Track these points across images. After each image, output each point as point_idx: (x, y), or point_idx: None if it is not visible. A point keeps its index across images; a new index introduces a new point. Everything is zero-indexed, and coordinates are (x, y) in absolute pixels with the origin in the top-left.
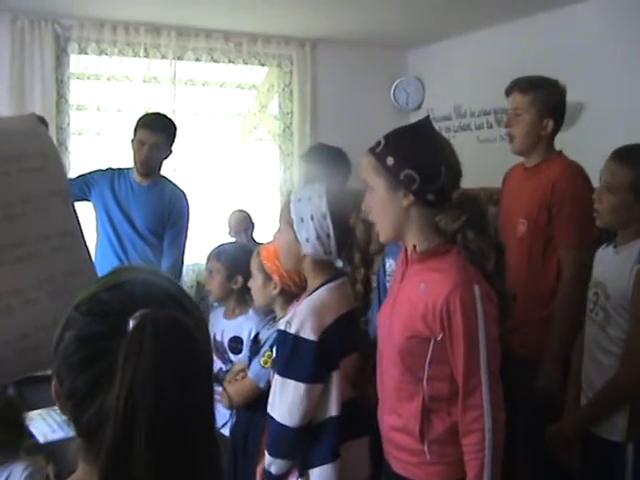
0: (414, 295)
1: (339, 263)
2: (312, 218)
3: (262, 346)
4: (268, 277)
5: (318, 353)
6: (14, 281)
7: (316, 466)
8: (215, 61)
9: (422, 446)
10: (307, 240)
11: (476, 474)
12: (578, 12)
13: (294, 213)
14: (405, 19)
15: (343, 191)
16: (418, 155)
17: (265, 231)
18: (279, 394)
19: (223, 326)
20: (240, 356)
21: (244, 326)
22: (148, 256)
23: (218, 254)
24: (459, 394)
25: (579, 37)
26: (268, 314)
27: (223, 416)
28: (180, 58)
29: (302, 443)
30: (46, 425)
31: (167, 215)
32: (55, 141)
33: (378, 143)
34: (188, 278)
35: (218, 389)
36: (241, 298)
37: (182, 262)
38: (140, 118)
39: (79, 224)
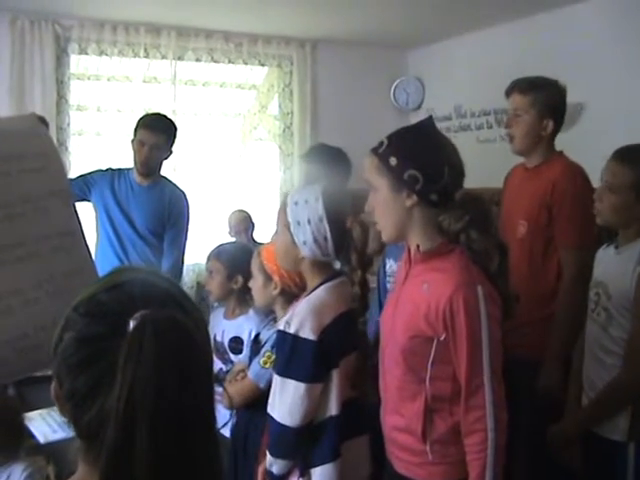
0: (417, 295)
1: (337, 264)
2: (309, 221)
3: (262, 346)
4: (269, 277)
5: (318, 353)
6: (14, 281)
7: (317, 465)
8: (215, 61)
9: (424, 446)
10: (304, 243)
11: (478, 474)
12: (578, 12)
13: (291, 216)
14: (405, 19)
15: (339, 192)
16: (421, 155)
17: (265, 231)
18: (279, 394)
19: (223, 326)
20: (240, 356)
21: (244, 326)
22: (148, 256)
23: (218, 254)
24: (462, 394)
25: (579, 37)
26: (268, 314)
27: (223, 416)
28: (180, 58)
29: (303, 443)
30: (46, 425)
31: (167, 215)
32: (55, 141)
33: (381, 143)
34: (188, 278)
35: (218, 389)
36: (241, 298)
37: (182, 262)
38: (140, 118)
39: (79, 224)
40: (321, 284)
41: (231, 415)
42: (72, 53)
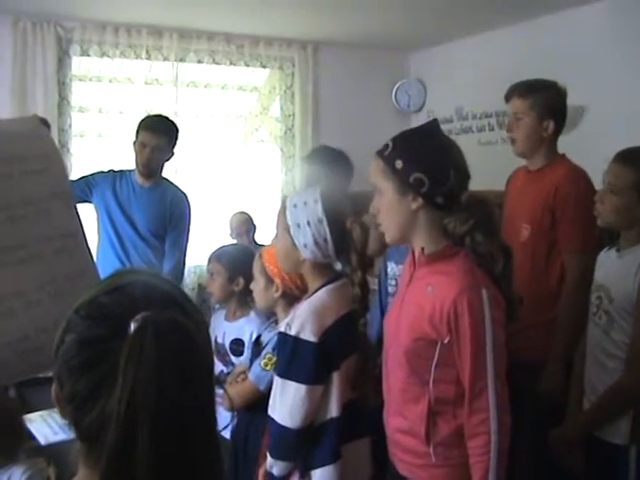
0: (421, 297)
1: (338, 266)
2: (309, 223)
3: (263, 348)
4: (270, 280)
5: (318, 354)
6: (16, 283)
7: (317, 467)
8: (217, 63)
9: (427, 448)
10: (305, 245)
11: (481, 477)
12: (579, 15)
13: (290, 219)
14: (407, 22)
15: (338, 194)
16: (427, 158)
17: (266, 233)
18: (280, 396)
19: (224, 328)
20: (241, 358)
21: (245, 328)
22: (149, 258)
23: (219, 256)
24: (465, 397)
25: (580, 40)
26: (270, 316)
27: (224, 419)
28: (182, 60)
29: (303, 445)
30: (47, 427)
31: (169, 217)
32: (57, 143)
33: (386, 146)
34: (189, 280)
35: (219, 391)
36: (242, 300)
37: (184, 264)
38: (142, 120)
39: (81, 226)
40: (322, 286)
41: (232, 417)
42: (74, 55)
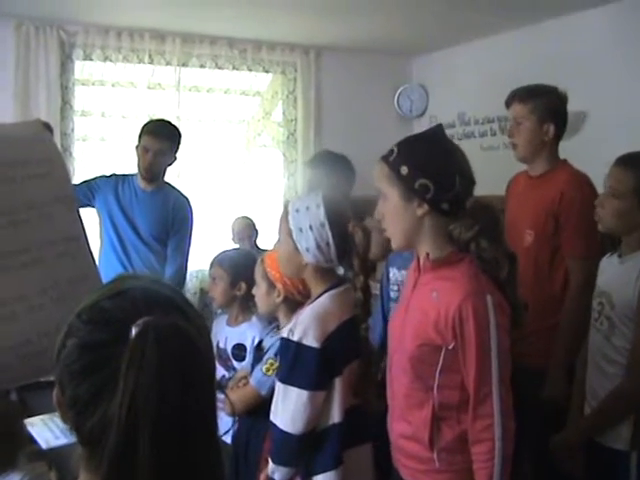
0: (426, 303)
1: (340, 270)
2: (311, 228)
3: (265, 353)
4: (272, 285)
5: (321, 360)
6: (19, 287)
7: (319, 473)
8: (219, 68)
9: (431, 454)
10: (307, 250)
11: None
12: (582, 20)
13: (293, 224)
14: (409, 27)
15: (339, 199)
16: (432, 164)
17: (269, 238)
18: (282, 401)
19: (226, 333)
20: (243, 363)
21: (247, 333)
22: (152, 262)
23: (221, 261)
24: (470, 403)
25: (582, 45)
26: (272, 321)
27: (226, 424)
28: (184, 65)
29: (305, 450)
30: (49, 431)
31: (171, 221)
32: (59, 147)
33: (391, 151)
34: (191, 284)
35: (220, 396)
36: (244, 305)
37: (186, 269)
38: (145, 124)
39: (84, 230)
40: (324, 292)
41: (234, 422)
42: (77, 59)
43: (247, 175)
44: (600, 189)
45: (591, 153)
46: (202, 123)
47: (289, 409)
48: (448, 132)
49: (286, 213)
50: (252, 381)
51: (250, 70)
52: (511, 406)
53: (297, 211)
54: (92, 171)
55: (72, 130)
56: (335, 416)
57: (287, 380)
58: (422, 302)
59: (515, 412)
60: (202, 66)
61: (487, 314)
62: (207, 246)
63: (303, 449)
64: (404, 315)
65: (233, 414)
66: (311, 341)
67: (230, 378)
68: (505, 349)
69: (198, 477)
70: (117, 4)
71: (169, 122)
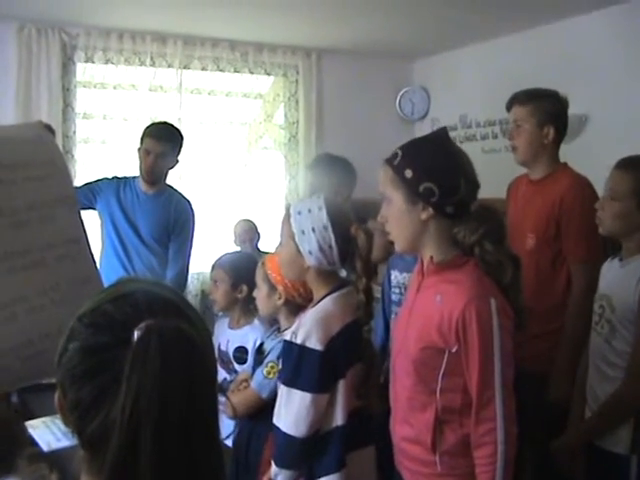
0: (430, 306)
1: (343, 272)
2: (313, 230)
3: (266, 356)
4: (273, 287)
5: (324, 363)
6: (19, 289)
7: (322, 476)
8: (221, 70)
9: (433, 457)
10: (310, 252)
11: None
12: (583, 23)
13: (295, 226)
14: (410, 29)
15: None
16: (437, 168)
17: (270, 240)
18: (285, 404)
19: (228, 336)
20: (245, 366)
21: (249, 336)
22: (153, 265)
23: (223, 263)
24: (472, 406)
25: (584, 48)
26: (273, 324)
27: (227, 427)
28: (186, 67)
29: (308, 453)
30: (50, 433)
31: (172, 224)
32: (61, 149)
33: (395, 154)
34: (193, 287)
35: (221, 399)
36: (246, 308)
37: (187, 271)
38: (147, 127)
39: (85, 232)
40: (327, 294)
41: (235, 426)
42: (78, 61)
43: (248, 178)
44: (601, 193)
45: (592, 156)
46: (204, 126)
47: (292, 412)
48: (450, 135)
49: (288, 216)
50: (253, 384)
51: (252, 73)
52: (514, 410)
53: (299, 214)
54: (94, 173)
55: (74, 132)
56: (338, 419)
57: (290, 383)
58: (426, 305)
59: (517, 416)
60: (204, 68)
61: (491, 318)
62: (208, 248)
63: (306, 452)
64: (407, 318)
65: (234, 417)
66: (314, 344)
67: (232, 381)
68: (508, 353)
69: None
70: (119, 6)
71: (171, 125)
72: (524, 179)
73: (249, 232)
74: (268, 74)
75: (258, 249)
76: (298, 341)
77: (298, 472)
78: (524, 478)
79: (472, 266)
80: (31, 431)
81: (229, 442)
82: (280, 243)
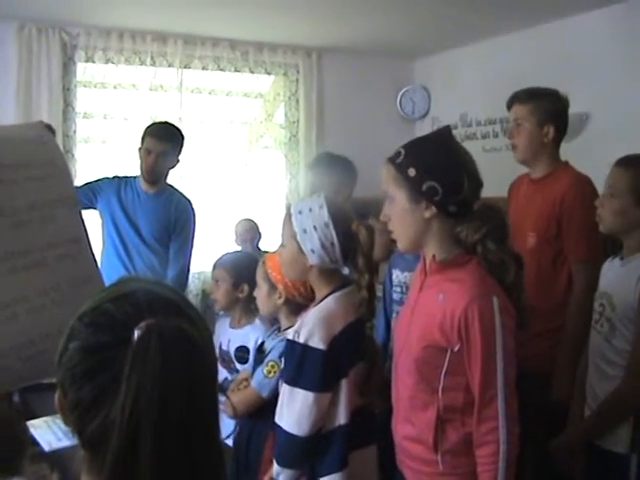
0: (433, 305)
1: (345, 270)
2: (315, 228)
3: (266, 355)
4: (273, 286)
5: (327, 362)
6: (20, 289)
7: (324, 475)
8: (221, 69)
9: (435, 456)
10: (312, 251)
11: None
12: (584, 22)
13: (296, 225)
14: (411, 28)
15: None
16: (440, 166)
17: (271, 239)
18: (287, 403)
19: (229, 335)
20: (246, 366)
21: (251, 335)
22: (154, 264)
23: (224, 263)
24: (475, 405)
25: (585, 47)
26: (274, 323)
27: (227, 426)
28: (187, 66)
29: (311, 452)
30: (51, 433)
31: (173, 224)
32: (61, 149)
33: (398, 153)
34: (194, 286)
35: (222, 398)
36: (247, 307)
37: (188, 271)
38: (148, 127)
39: (86, 232)
40: (329, 294)
41: (236, 425)
42: (79, 61)
43: (249, 177)
44: (602, 191)
45: (593, 155)
46: (204, 125)
47: (295, 411)
48: None
49: (289, 216)
50: (253, 383)
51: (252, 72)
52: (516, 410)
53: (300, 213)
54: (94, 173)
55: (74, 132)
56: (341, 418)
57: (293, 382)
58: (428, 304)
59: (519, 415)
60: (204, 68)
61: (493, 317)
62: (209, 248)
63: (309, 451)
64: (410, 317)
65: (234, 416)
66: (317, 343)
67: (232, 380)
68: (511, 352)
69: (200, 479)
70: (119, 6)
71: (172, 124)
72: (525, 178)
73: (250, 231)
74: (268, 73)
75: (259, 248)
76: (301, 340)
77: (300, 471)
78: (525, 477)
79: (475, 265)
80: (32, 431)
81: (229, 441)
82: (281, 244)
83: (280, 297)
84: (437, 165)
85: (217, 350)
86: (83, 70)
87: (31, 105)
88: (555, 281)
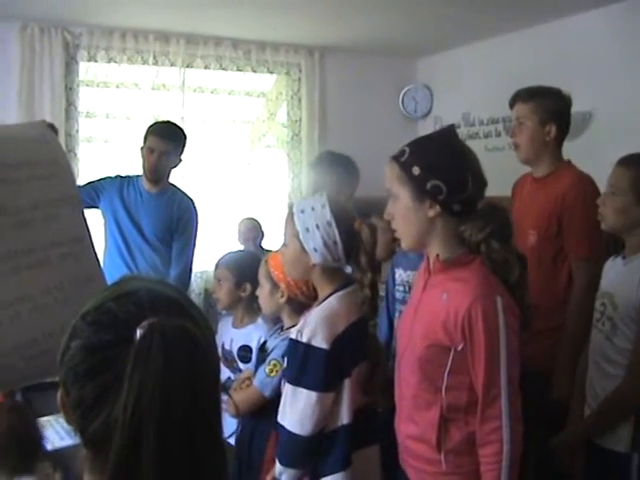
0: (436, 304)
1: (348, 269)
2: (317, 227)
3: (268, 354)
4: (275, 285)
5: (330, 361)
6: (24, 287)
7: (327, 475)
8: (224, 69)
9: (438, 455)
10: (315, 250)
11: None
12: (586, 21)
13: (299, 224)
14: (413, 28)
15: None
16: (445, 165)
17: (273, 238)
18: (290, 403)
19: (232, 335)
20: (249, 365)
21: (253, 335)
22: (156, 264)
23: (226, 262)
24: (478, 404)
25: (587, 46)
26: (277, 322)
27: (230, 425)
28: (189, 66)
29: (314, 452)
30: (54, 432)
31: (175, 223)
32: (64, 148)
33: (402, 151)
34: (196, 285)
35: (224, 398)
36: (249, 306)
37: (190, 270)
38: (150, 126)
39: (89, 231)
40: (332, 293)
41: (238, 424)
42: (81, 60)
43: (251, 176)
44: (604, 190)
45: (596, 153)
46: (206, 124)
47: (298, 410)
48: None
49: (291, 215)
50: (255, 382)
51: (254, 71)
52: (519, 409)
53: (302, 212)
54: (97, 172)
55: (77, 131)
56: (344, 417)
57: (296, 381)
58: (432, 303)
59: (522, 414)
60: (206, 67)
61: (497, 316)
62: (212, 247)
63: (311, 451)
64: (413, 316)
65: (237, 415)
66: (320, 342)
67: (235, 380)
68: (514, 351)
69: (203, 479)
70: (121, 5)
71: (175, 124)
72: (528, 177)
73: (252, 230)
74: (271, 72)
75: (262, 247)
76: (304, 340)
77: (302, 471)
78: (527, 476)
79: (478, 264)
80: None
81: (232, 440)
82: (284, 244)
83: (282, 296)
84: (441, 164)
85: (220, 349)
86: (86, 69)
87: (34, 104)
88: (555, 279)
